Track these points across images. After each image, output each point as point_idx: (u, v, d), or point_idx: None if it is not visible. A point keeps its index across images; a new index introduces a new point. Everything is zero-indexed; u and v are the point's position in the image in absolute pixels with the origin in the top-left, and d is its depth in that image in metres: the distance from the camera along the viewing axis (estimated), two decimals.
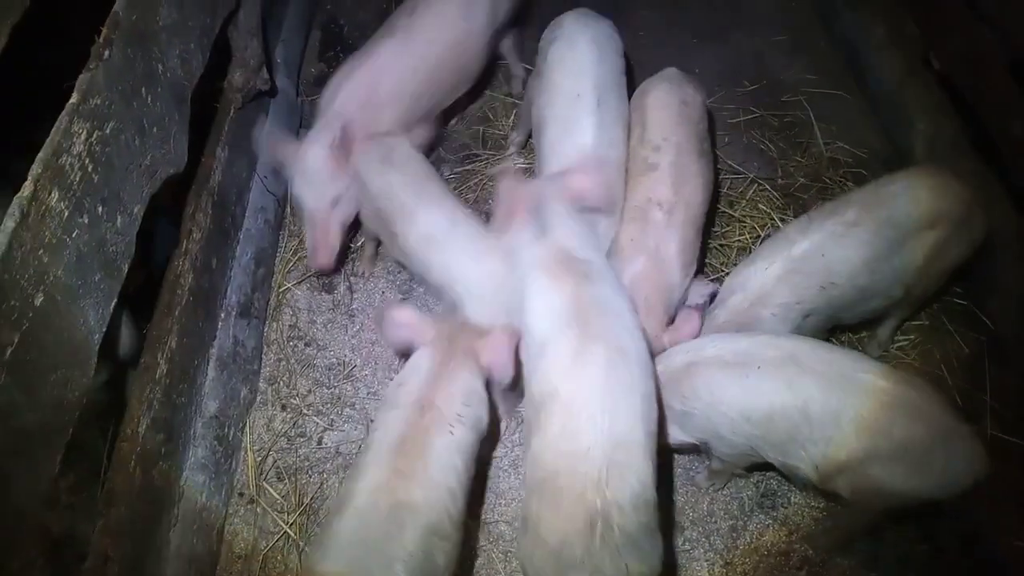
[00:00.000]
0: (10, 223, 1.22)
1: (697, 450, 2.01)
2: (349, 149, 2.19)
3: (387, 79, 2.34)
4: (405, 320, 1.82)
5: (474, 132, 2.91)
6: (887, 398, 1.68)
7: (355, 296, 2.49)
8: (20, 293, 1.25)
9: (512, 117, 2.92)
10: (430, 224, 2.06)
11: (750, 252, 2.28)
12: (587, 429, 1.48)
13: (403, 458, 1.59)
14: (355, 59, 2.40)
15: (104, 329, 1.52)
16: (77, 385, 1.42)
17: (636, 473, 1.47)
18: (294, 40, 3.02)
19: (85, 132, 1.44)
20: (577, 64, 2.27)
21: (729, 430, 1.80)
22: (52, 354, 1.34)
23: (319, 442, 2.19)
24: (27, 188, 1.29)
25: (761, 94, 3.04)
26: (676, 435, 1.90)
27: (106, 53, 1.54)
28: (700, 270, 2.25)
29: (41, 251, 1.30)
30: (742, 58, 3.18)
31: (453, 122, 2.93)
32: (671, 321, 2.06)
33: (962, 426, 1.70)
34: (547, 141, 2.24)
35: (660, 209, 2.09)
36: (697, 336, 1.99)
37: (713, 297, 2.10)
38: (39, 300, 1.29)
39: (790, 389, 1.71)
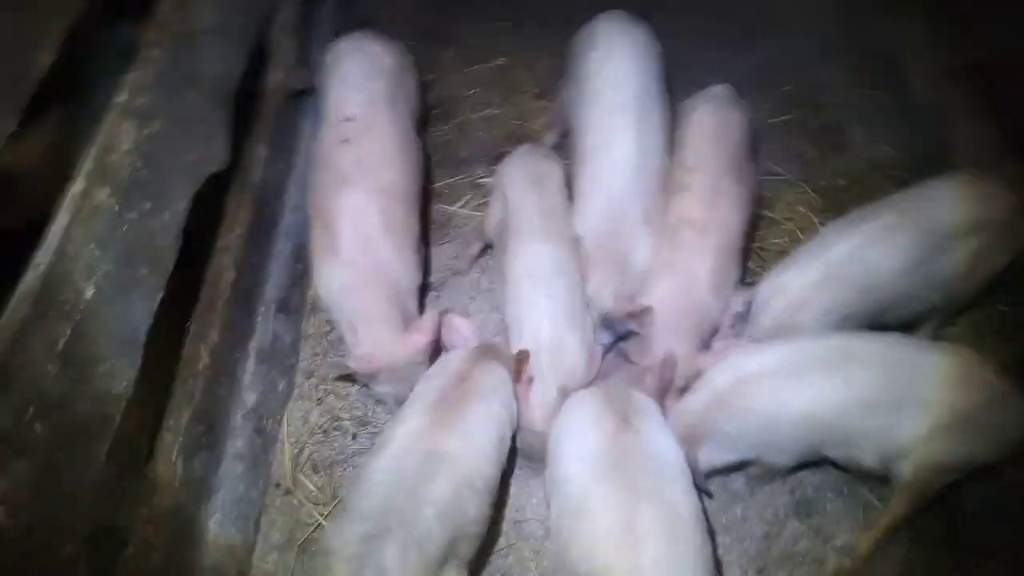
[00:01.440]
0: (64, 218, 1.27)
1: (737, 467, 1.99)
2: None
3: None
4: (463, 328, 1.91)
5: (508, 131, 2.92)
6: (944, 373, 1.72)
7: None
8: (72, 286, 1.29)
9: (545, 118, 2.93)
10: (538, 261, 2.07)
11: (789, 255, 2.27)
12: None
13: (442, 412, 1.67)
14: None
15: (151, 322, 1.56)
16: (124, 376, 1.47)
17: None
18: (332, 38, 3.06)
19: (133, 130, 1.49)
20: (617, 73, 2.28)
21: (791, 438, 1.79)
22: (101, 346, 1.38)
23: (354, 436, 2.22)
24: (79, 184, 1.34)
25: (799, 95, 3.00)
26: (724, 457, 1.86)
27: (152, 53, 1.58)
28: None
29: (92, 245, 1.34)
30: (779, 59, 3.13)
31: (485, 119, 2.95)
32: (705, 344, 2.06)
33: (1012, 386, 1.74)
34: (586, 148, 2.26)
35: (691, 229, 2.09)
36: None
37: (749, 306, 2.09)
38: (90, 292, 1.34)
39: (849, 385, 1.72)
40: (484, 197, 2.67)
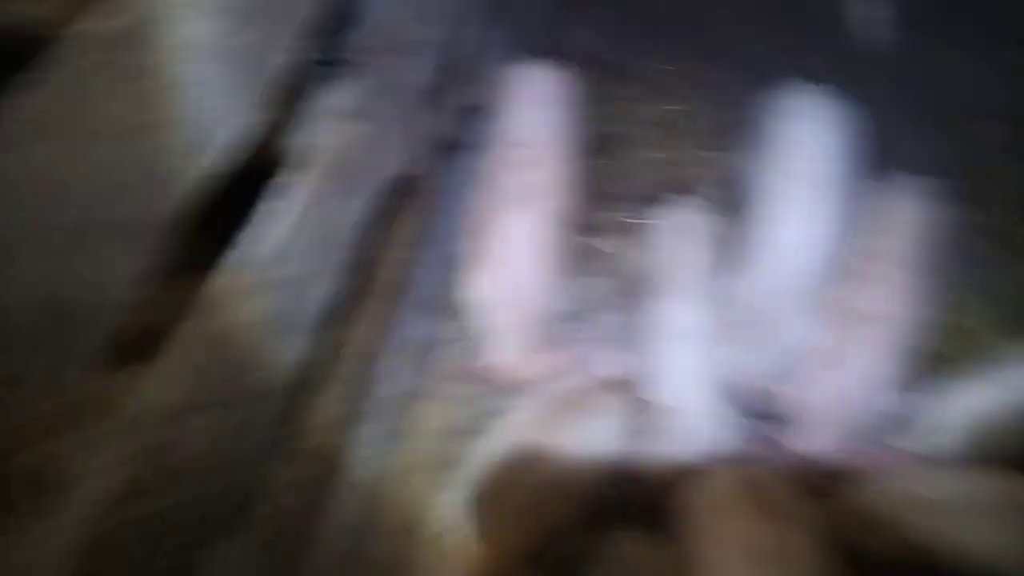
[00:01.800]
0: (287, 193, 1.42)
1: None
2: None
3: None
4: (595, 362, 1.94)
5: (664, 176, 2.92)
6: None
7: None
8: (279, 267, 1.43)
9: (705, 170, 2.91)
10: (677, 319, 2.08)
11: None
12: None
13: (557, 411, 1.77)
14: None
15: (322, 305, 1.70)
16: (299, 350, 1.60)
17: None
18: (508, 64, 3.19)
19: (341, 129, 1.63)
20: (805, 148, 2.26)
21: None
22: (287, 318, 1.52)
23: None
24: (299, 170, 1.50)
25: (993, 192, 2.76)
26: None
27: (364, 61, 1.73)
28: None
29: (295, 224, 1.48)
30: (980, 150, 2.89)
31: (643, 161, 2.97)
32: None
33: None
34: (758, 217, 2.27)
35: (865, 321, 2.05)
36: None
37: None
38: (286, 267, 1.48)
39: None
40: (626, 236, 2.69)
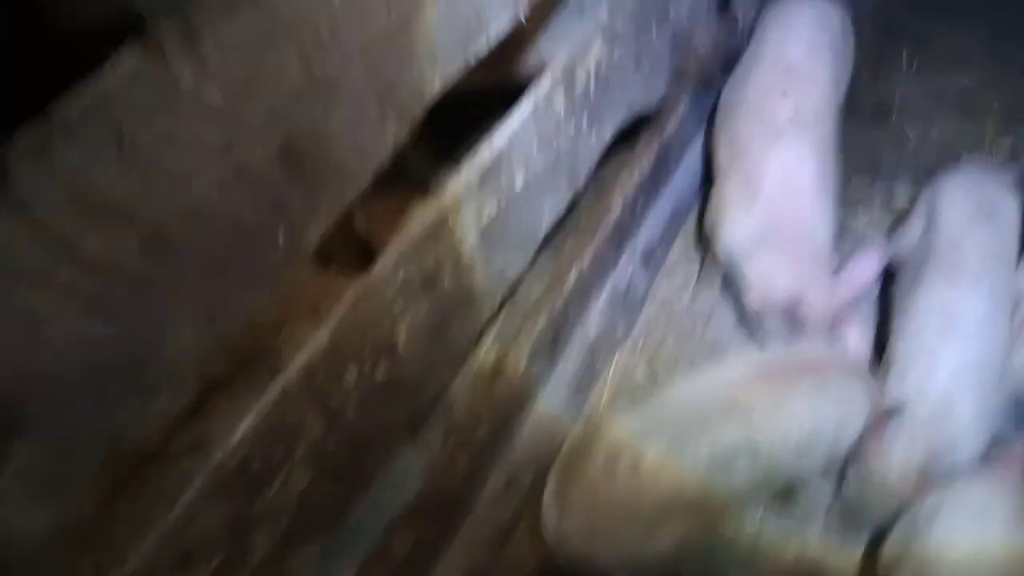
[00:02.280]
0: (527, 109, 1.38)
1: None
2: None
3: None
4: (853, 333, 1.81)
5: (947, 153, 2.52)
6: None
7: None
8: (509, 172, 1.41)
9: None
10: (960, 308, 1.78)
11: None
12: None
13: (772, 378, 1.62)
14: None
15: (548, 230, 1.67)
16: (515, 268, 1.59)
17: None
18: None
19: (601, 51, 1.55)
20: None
21: None
22: (509, 233, 1.50)
23: None
24: (544, 86, 1.44)
25: None
26: None
27: None
28: None
29: (535, 142, 1.45)
30: None
31: (924, 133, 2.59)
32: None
33: None
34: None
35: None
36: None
37: None
38: (519, 183, 1.45)
39: None
40: (891, 215, 2.39)
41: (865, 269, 1.93)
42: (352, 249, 2.29)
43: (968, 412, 1.69)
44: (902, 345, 1.80)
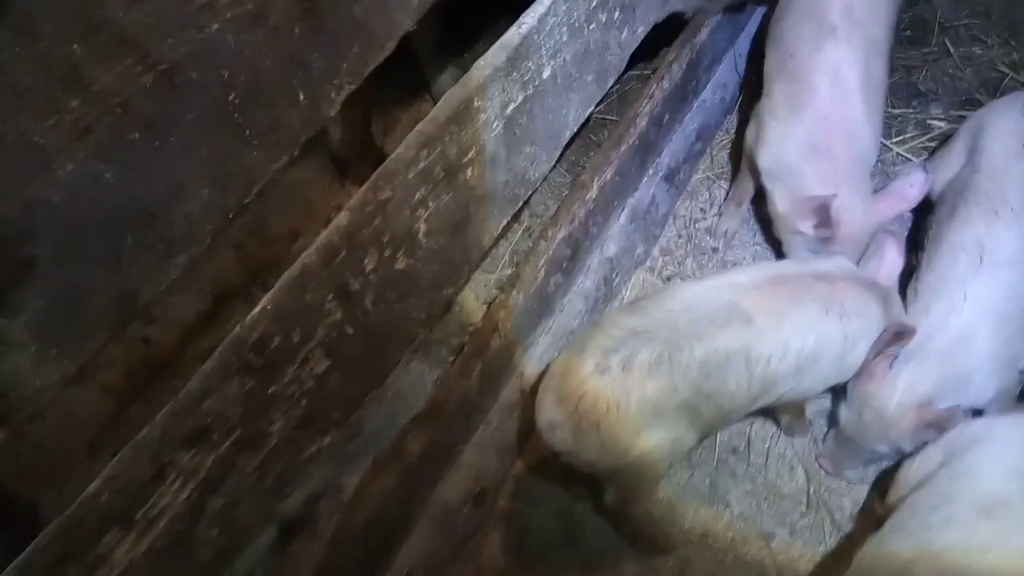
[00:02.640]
0: None
1: None
2: None
3: None
4: (890, 248, 1.75)
5: (990, 77, 2.41)
6: None
7: None
8: (537, 59, 1.34)
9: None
10: (996, 243, 1.71)
11: None
12: None
13: (778, 286, 1.60)
14: None
15: (575, 128, 1.60)
16: (539, 167, 1.53)
17: None
18: None
19: None
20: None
21: None
22: (535, 128, 1.44)
23: None
24: None
25: None
26: None
27: None
28: None
29: (564, 28, 1.37)
30: None
31: (967, 57, 2.47)
32: None
33: None
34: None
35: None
36: None
37: None
38: (547, 72, 1.38)
39: None
40: (929, 140, 2.30)
41: (908, 192, 1.85)
42: (369, 162, 2.24)
43: (986, 352, 1.65)
44: (930, 276, 1.75)
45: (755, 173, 2.02)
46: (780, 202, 1.92)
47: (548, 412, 1.56)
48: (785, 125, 1.88)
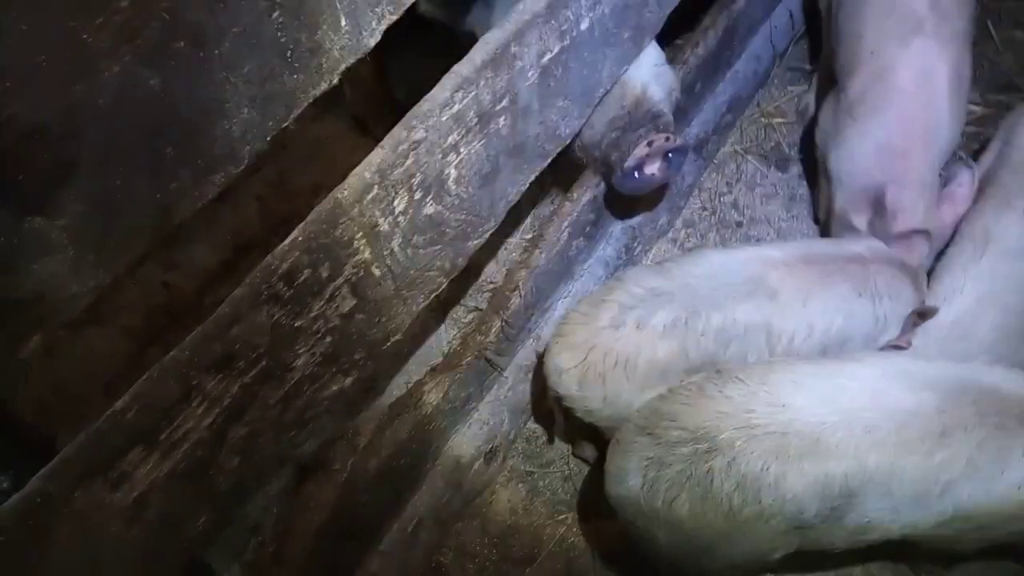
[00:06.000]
0: None
1: None
2: None
3: None
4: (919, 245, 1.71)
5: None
6: None
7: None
8: (576, 8, 1.32)
9: None
10: (1012, 238, 1.69)
11: None
12: None
13: (810, 265, 1.57)
14: None
15: (608, 88, 1.58)
16: (571, 122, 1.52)
17: None
18: None
19: None
20: None
21: None
22: (569, 81, 1.42)
23: None
24: None
25: None
26: None
27: None
28: None
29: None
30: None
31: (1011, 42, 2.42)
32: None
33: None
34: None
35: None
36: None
37: None
38: (584, 24, 1.36)
39: None
40: (966, 125, 2.25)
41: (959, 192, 1.80)
42: (386, 119, 2.23)
43: (988, 337, 1.63)
44: (944, 261, 1.76)
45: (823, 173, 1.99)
46: (840, 199, 1.88)
47: (557, 357, 1.56)
48: (862, 124, 1.81)
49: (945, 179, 1.86)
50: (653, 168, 1.65)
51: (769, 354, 1.55)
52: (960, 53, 1.82)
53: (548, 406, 1.75)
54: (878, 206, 1.75)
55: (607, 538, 1.78)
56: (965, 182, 1.81)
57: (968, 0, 1.88)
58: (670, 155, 1.65)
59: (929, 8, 1.79)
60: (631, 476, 1.36)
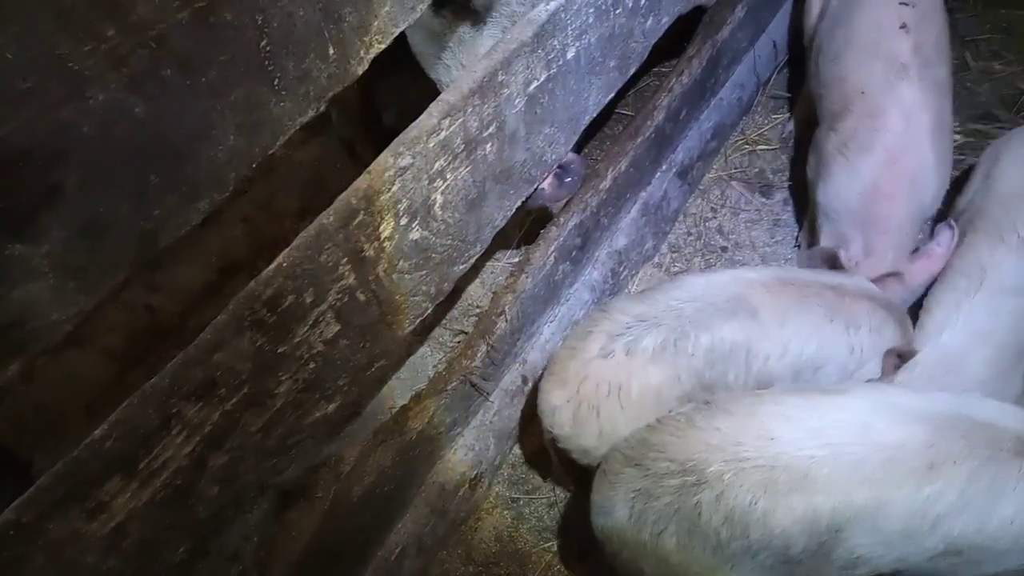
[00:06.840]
0: None
1: None
2: None
3: None
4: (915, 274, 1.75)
5: (1009, 94, 2.42)
6: None
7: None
8: (563, 38, 1.33)
9: None
10: (1000, 270, 1.71)
11: None
12: None
13: (788, 288, 1.59)
14: None
15: (594, 115, 1.59)
16: (556, 149, 1.53)
17: None
18: None
19: None
20: None
21: None
22: (555, 109, 1.43)
23: None
24: None
25: None
26: None
27: None
28: None
29: (591, 10, 1.37)
30: None
31: (983, 72, 2.47)
32: None
33: None
34: None
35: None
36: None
37: None
38: (571, 53, 1.38)
39: None
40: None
41: (937, 251, 1.81)
42: (374, 143, 2.24)
43: (981, 373, 1.63)
44: (931, 296, 1.77)
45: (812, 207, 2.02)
46: (826, 239, 1.90)
47: (549, 395, 1.55)
48: (852, 162, 1.85)
49: (926, 236, 1.90)
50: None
51: (746, 373, 1.56)
52: (941, 101, 1.86)
53: (541, 444, 1.74)
54: (854, 247, 1.78)
55: (593, 568, 1.76)
56: (944, 242, 1.82)
57: (946, 48, 1.93)
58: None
59: (912, 53, 1.84)
60: (618, 508, 1.35)
